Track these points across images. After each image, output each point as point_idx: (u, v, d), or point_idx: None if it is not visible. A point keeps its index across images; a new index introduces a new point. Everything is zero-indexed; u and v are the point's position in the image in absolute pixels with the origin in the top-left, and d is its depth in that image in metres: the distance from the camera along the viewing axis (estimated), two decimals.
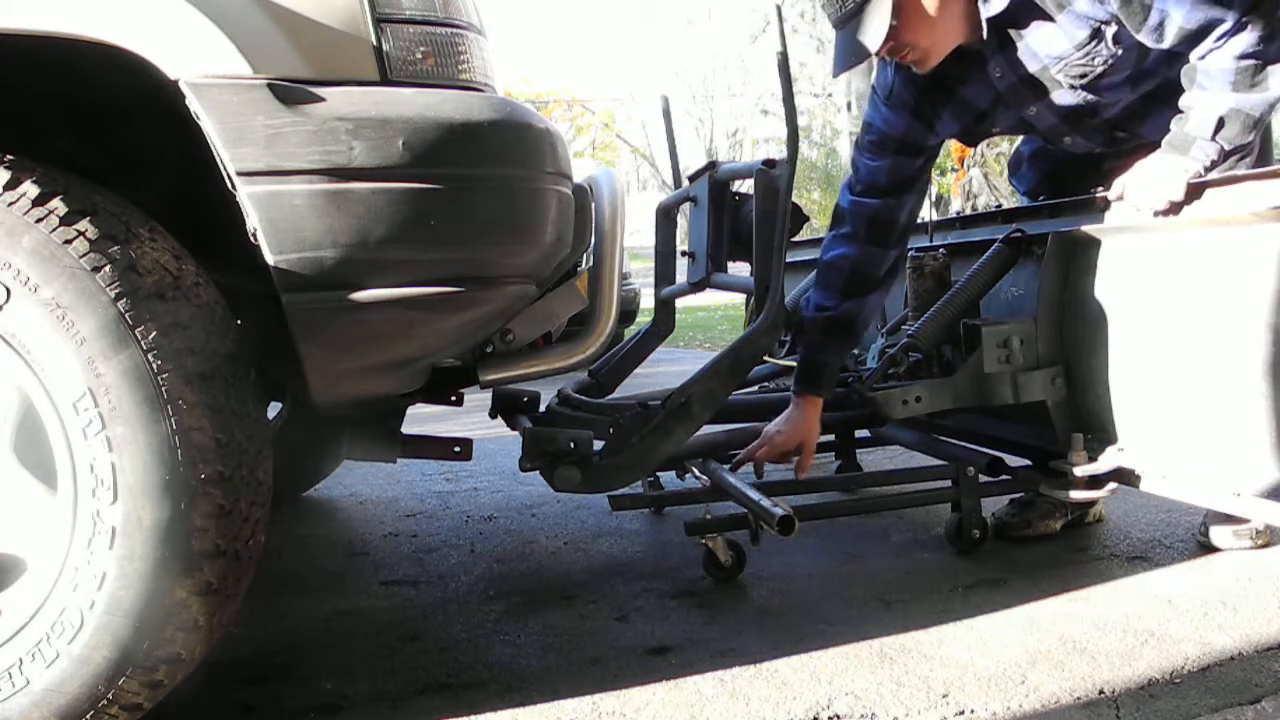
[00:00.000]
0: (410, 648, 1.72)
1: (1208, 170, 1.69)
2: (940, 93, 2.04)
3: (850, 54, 1.89)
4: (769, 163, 2.02)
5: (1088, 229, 1.89)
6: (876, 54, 1.88)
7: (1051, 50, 1.87)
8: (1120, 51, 1.83)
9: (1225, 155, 1.70)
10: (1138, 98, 1.95)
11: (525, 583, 2.06)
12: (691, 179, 2.44)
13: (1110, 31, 1.80)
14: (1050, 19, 1.82)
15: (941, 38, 1.91)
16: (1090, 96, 1.94)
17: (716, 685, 1.52)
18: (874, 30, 1.83)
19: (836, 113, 25.46)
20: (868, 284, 2.14)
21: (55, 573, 1.17)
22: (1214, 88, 1.70)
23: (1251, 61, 1.66)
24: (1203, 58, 1.71)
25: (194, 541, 1.17)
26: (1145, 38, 1.75)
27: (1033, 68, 1.91)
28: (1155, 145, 1.78)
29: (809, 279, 2.87)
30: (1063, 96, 1.95)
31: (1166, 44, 1.74)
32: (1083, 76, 1.89)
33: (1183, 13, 1.67)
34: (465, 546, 2.34)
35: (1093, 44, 1.82)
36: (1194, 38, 1.69)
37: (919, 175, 2.15)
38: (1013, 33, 1.89)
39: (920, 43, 1.90)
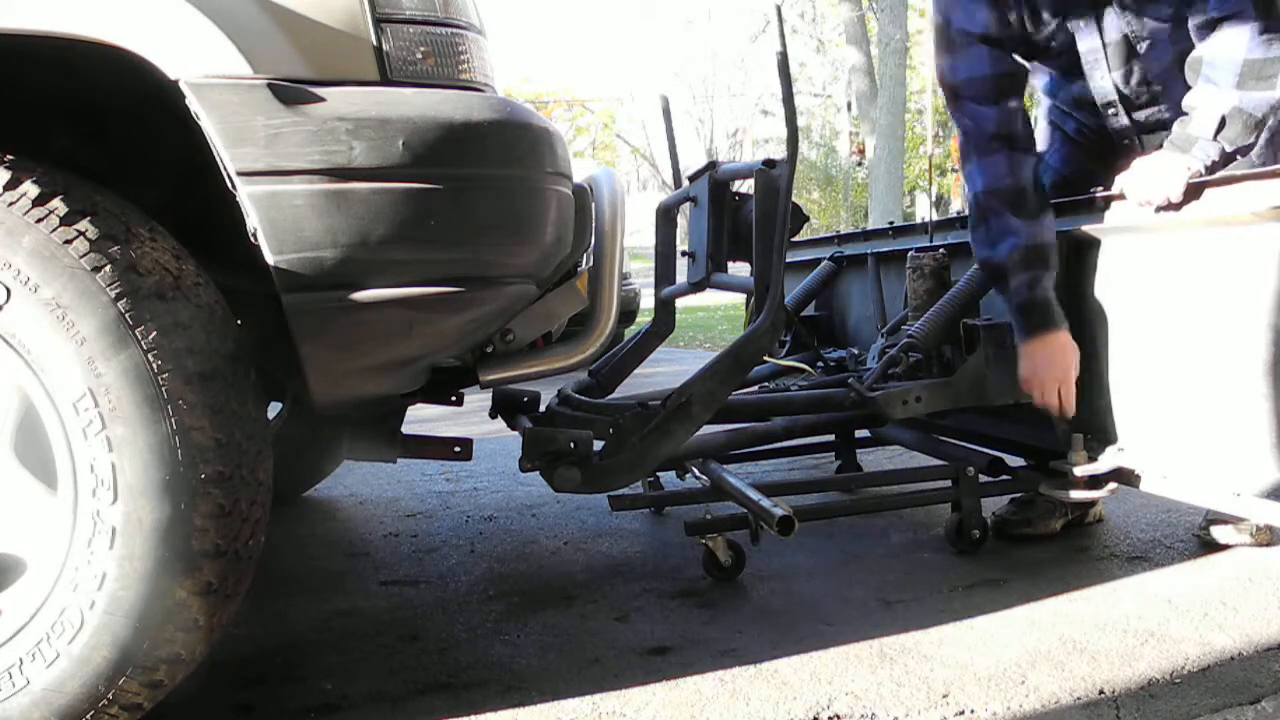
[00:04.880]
0: (410, 648, 1.72)
1: (1209, 170, 1.69)
2: None
3: None
4: (769, 163, 2.02)
5: (1088, 229, 1.89)
6: None
7: None
8: None
9: (1226, 156, 1.70)
10: (1174, 55, 1.93)
11: (525, 583, 2.06)
12: (691, 179, 2.44)
13: None
14: None
15: None
16: (1135, 24, 1.91)
17: (716, 685, 1.52)
18: None
19: (836, 113, 25.50)
20: (1030, 199, 2.00)
21: (55, 573, 1.17)
22: (1220, 81, 1.69)
23: (1259, 57, 1.66)
24: (1203, 29, 1.70)
25: (194, 541, 1.17)
26: None
27: None
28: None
29: (809, 278, 2.88)
30: (1111, 18, 1.93)
31: None
32: None
33: None
34: (465, 546, 2.34)
35: None
36: None
37: (1017, 74, 2.06)
38: None
39: None
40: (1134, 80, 2.02)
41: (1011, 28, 2.03)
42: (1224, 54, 1.69)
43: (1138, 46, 1.96)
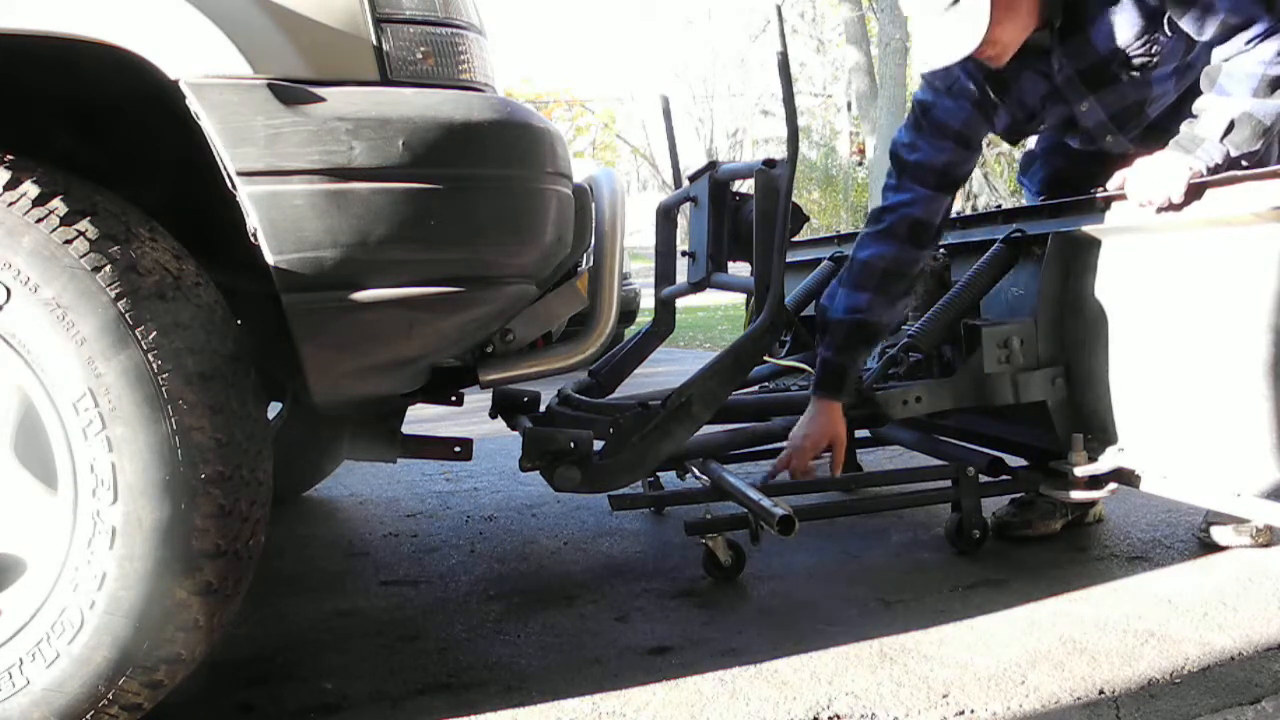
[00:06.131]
0: (410, 648, 1.72)
1: (1211, 172, 1.69)
2: (998, 85, 2.03)
3: (942, 51, 1.85)
4: (769, 163, 2.02)
5: (1088, 229, 1.89)
6: (973, 55, 1.84)
7: (1116, 39, 1.86)
8: (1174, 39, 1.83)
9: (1230, 160, 1.70)
10: (1178, 96, 1.95)
11: (525, 583, 2.06)
12: (691, 179, 2.44)
13: (1165, 17, 1.80)
14: (1115, 2, 1.82)
15: (1020, 32, 1.89)
16: (1141, 91, 1.93)
17: (716, 685, 1.52)
18: (969, 31, 1.80)
19: (836, 113, 25.48)
20: (900, 285, 2.10)
21: (55, 573, 1.18)
22: (1236, 91, 1.70)
23: (1278, 74, 1.67)
24: (1228, 59, 1.71)
25: (194, 541, 1.17)
26: (1189, 25, 1.76)
27: (1094, 59, 1.90)
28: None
29: (809, 278, 2.88)
30: (1115, 92, 1.95)
31: (1206, 35, 1.75)
32: (1141, 68, 1.89)
33: (1228, 4, 1.69)
34: (465, 546, 2.34)
35: (1151, 31, 1.83)
36: (1232, 31, 1.71)
37: (966, 173, 2.14)
38: (1081, 20, 1.88)
39: (1004, 38, 1.87)
40: (1146, 128, 2.04)
41: (991, 128, 2.10)
42: (1244, 68, 1.70)
43: (1143, 109, 1.98)
